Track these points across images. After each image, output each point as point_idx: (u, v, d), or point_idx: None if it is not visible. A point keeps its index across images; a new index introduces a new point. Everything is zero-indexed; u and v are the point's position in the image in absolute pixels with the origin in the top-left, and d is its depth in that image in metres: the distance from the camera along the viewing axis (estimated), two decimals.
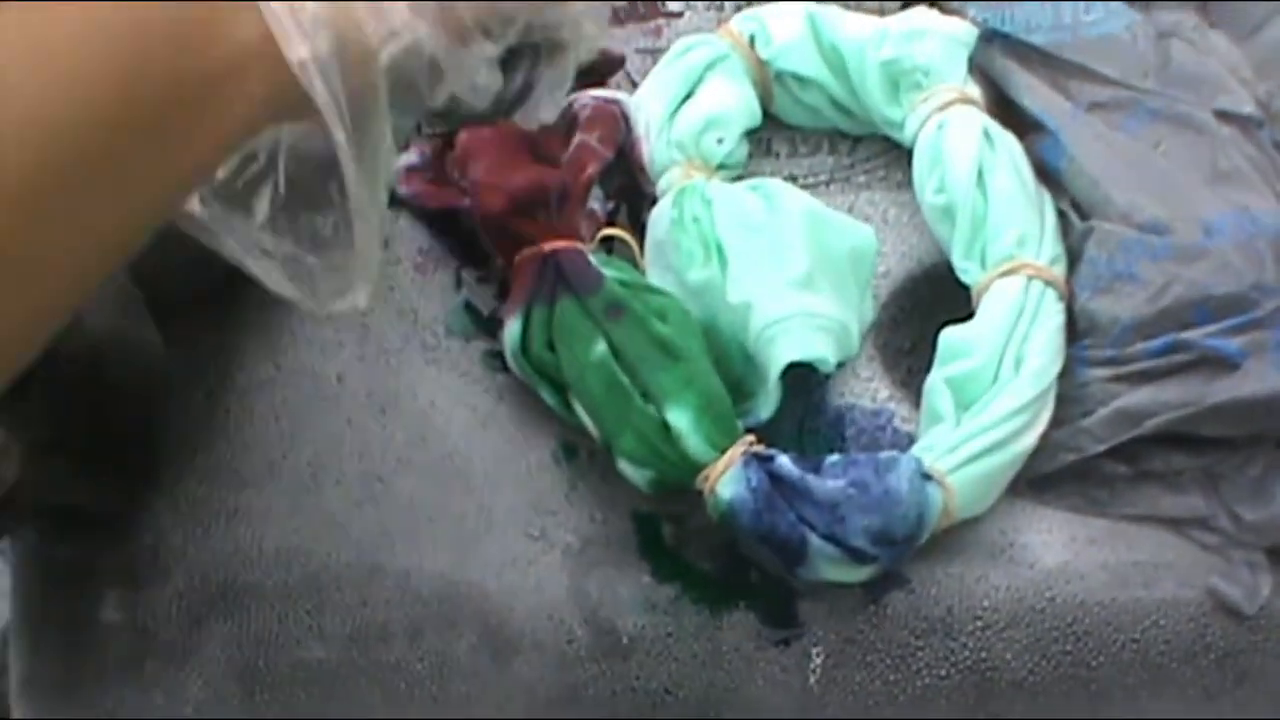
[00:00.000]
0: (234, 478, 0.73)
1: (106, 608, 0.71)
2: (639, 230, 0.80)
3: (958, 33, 0.83)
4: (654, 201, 0.80)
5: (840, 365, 0.75)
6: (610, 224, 0.80)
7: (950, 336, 0.75)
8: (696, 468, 0.70)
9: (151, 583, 0.71)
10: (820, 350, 0.72)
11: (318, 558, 0.72)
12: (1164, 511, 0.73)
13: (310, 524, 0.72)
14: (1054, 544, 0.73)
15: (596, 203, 0.80)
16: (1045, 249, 0.76)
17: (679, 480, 0.70)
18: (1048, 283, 0.75)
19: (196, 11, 0.43)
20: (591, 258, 0.74)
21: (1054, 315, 0.75)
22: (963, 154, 0.78)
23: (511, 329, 0.74)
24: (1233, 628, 0.72)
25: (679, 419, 0.70)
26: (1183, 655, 0.72)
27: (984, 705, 0.71)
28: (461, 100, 0.51)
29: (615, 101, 0.83)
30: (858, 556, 0.68)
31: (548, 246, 0.75)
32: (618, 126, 0.82)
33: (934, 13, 0.85)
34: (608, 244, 0.79)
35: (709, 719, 0.71)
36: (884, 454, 0.70)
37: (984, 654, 0.71)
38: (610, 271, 0.74)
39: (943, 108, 0.80)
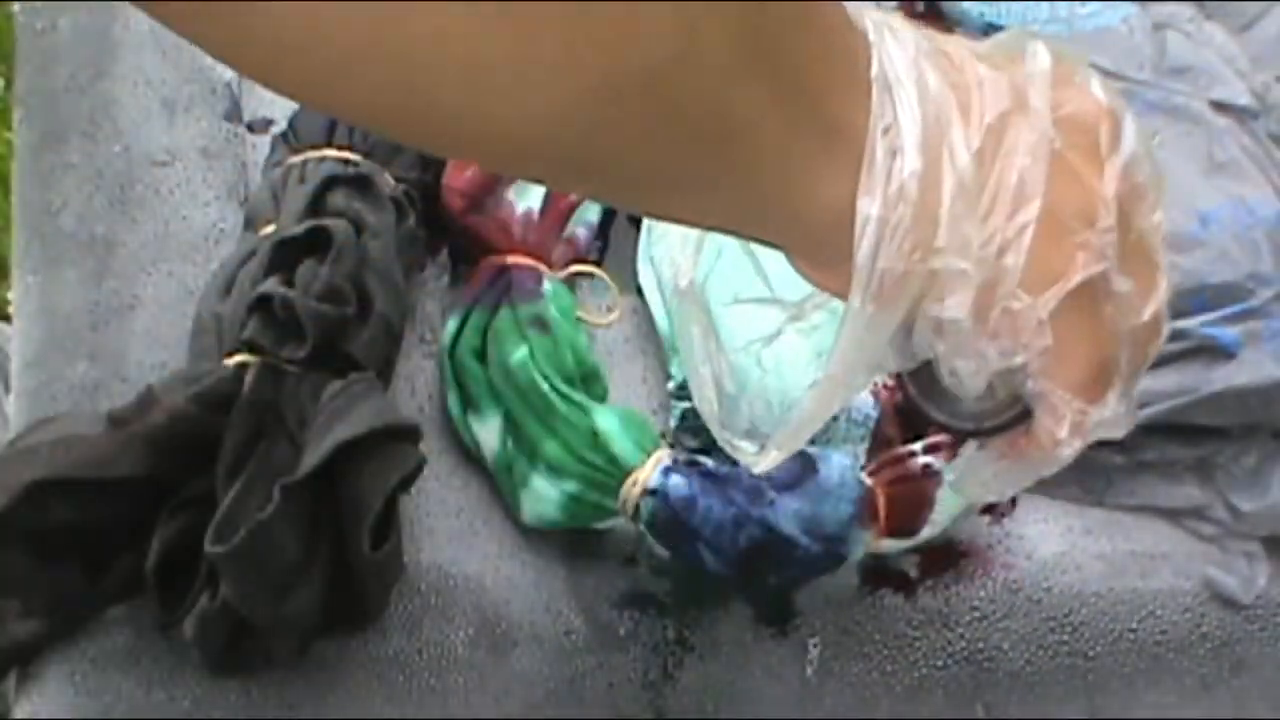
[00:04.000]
0: None
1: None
2: (635, 226, 0.81)
3: None
4: None
5: None
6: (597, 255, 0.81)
7: None
8: (623, 472, 0.69)
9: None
10: None
11: None
12: (1160, 501, 0.73)
13: None
14: (1050, 534, 0.73)
15: (583, 228, 0.80)
16: None
17: (597, 497, 0.70)
18: None
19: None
20: (546, 283, 0.75)
21: None
22: None
23: (449, 326, 0.75)
24: (1229, 617, 0.72)
25: (606, 423, 0.70)
26: (1179, 645, 0.72)
27: (981, 696, 0.71)
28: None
29: None
30: (790, 545, 0.68)
31: (510, 260, 0.75)
32: None
33: None
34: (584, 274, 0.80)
35: (706, 712, 0.71)
36: (814, 448, 0.70)
37: (980, 645, 0.71)
38: (554, 303, 0.74)
39: None
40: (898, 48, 0.38)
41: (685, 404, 0.75)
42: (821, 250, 0.40)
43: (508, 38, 0.30)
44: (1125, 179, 0.42)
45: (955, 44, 0.41)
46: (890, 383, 0.77)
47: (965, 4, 0.86)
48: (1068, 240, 0.41)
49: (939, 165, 0.38)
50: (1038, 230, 0.40)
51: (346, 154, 0.75)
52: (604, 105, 0.32)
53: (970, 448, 0.48)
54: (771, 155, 0.37)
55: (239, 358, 0.68)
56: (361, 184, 0.73)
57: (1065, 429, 0.44)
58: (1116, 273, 0.42)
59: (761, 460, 0.46)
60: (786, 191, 0.38)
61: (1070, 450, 0.45)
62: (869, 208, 0.37)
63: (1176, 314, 0.73)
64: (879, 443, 0.73)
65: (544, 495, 0.70)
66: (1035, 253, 0.40)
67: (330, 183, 0.72)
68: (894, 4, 0.90)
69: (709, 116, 0.34)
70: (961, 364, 0.42)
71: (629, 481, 0.69)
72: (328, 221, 0.70)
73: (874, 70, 0.37)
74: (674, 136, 0.34)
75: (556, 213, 0.78)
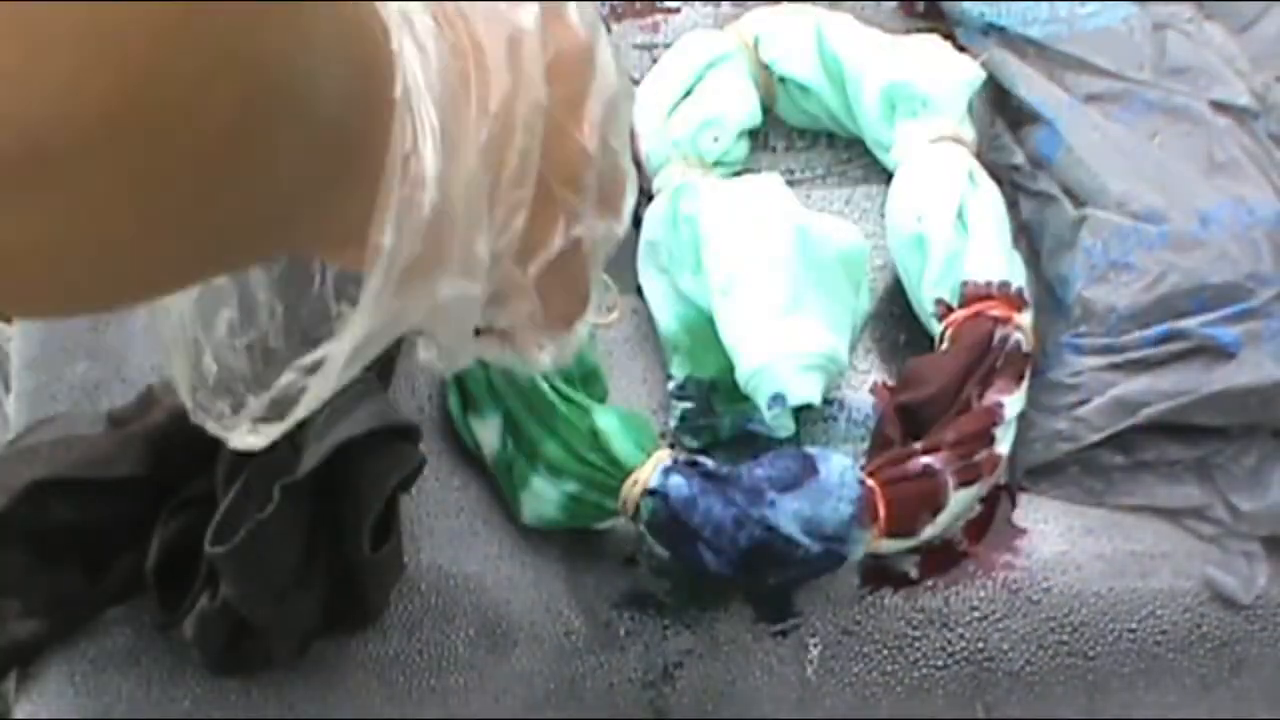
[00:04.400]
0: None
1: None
2: (634, 226, 0.81)
3: (966, 73, 0.81)
4: (650, 198, 0.80)
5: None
6: None
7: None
8: (623, 473, 0.69)
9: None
10: (807, 393, 0.71)
11: None
12: (1160, 501, 0.73)
13: None
14: (1050, 534, 0.73)
15: None
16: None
17: (597, 497, 0.70)
18: (1019, 330, 0.74)
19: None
20: None
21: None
22: (947, 189, 0.76)
23: None
24: (1229, 617, 0.72)
25: (607, 423, 0.70)
26: (1179, 645, 0.72)
27: (981, 696, 0.71)
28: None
29: None
30: (791, 545, 0.68)
31: None
32: None
33: (947, 46, 0.83)
34: None
35: (706, 712, 0.71)
36: (814, 448, 0.70)
37: (981, 645, 0.71)
38: None
39: (934, 141, 0.79)
40: (416, 55, 0.37)
41: (685, 404, 0.75)
42: (343, 257, 0.40)
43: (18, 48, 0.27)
44: (604, 117, 0.43)
45: None
46: (890, 383, 0.77)
47: (966, 4, 0.86)
48: (553, 207, 0.42)
49: (455, 185, 0.37)
50: (530, 205, 0.40)
51: None
52: (110, 130, 0.29)
53: None
54: (291, 186, 0.34)
55: None
56: None
57: (546, 356, 0.47)
58: (593, 222, 0.43)
59: (237, 427, 0.42)
60: (306, 217, 0.36)
61: (550, 360, 0.48)
62: (381, 237, 0.36)
63: (1176, 314, 0.74)
64: (879, 443, 0.73)
65: (544, 495, 0.70)
66: (525, 225, 0.41)
67: None
68: (894, 4, 0.90)
69: (218, 147, 0.31)
70: (450, 340, 0.43)
71: (629, 482, 0.69)
72: None
73: (397, 90, 0.36)
74: (181, 165, 0.31)
75: None
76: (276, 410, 0.41)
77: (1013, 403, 0.72)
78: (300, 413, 0.40)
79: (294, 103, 0.32)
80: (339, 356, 0.39)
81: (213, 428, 0.42)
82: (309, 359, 0.40)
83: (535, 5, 0.41)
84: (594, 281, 0.46)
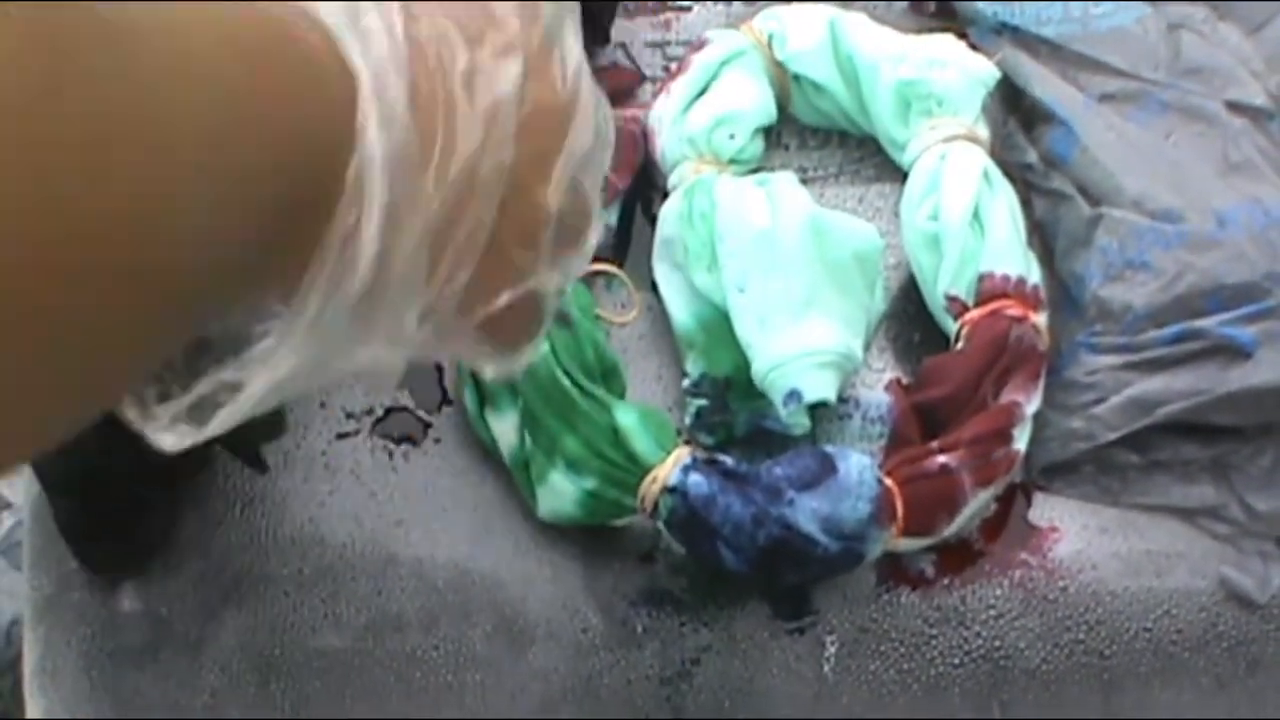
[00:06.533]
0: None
1: (122, 596, 0.71)
2: (650, 223, 0.81)
3: (980, 71, 0.81)
4: (666, 195, 0.81)
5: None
6: (612, 257, 0.81)
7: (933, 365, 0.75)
8: (642, 470, 0.69)
9: (167, 571, 0.72)
10: (822, 391, 0.72)
11: (333, 547, 0.72)
12: (1175, 501, 0.74)
13: (325, 513, 0.73)
14: (1066, 533, 0.73)
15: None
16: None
17: (616, 494, 0.70)
18: (1035, 328, 0.74)
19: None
20: None
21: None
22: (962, 187, 0.76)
23: None
24: (1244, 617, 0.72)
25: (626, 418, 0.70)
26: (1195, 644, 0.72)
27: (997, 694, 0.72)
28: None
29: (636, 119, 0.83)
30: (809, 543, 0.68)
31: None
32: (636, 149, 0.82)
33: (961, 45, 0.83)
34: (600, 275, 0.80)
35: (723, 709, 0.71)
36: (832, 447, 0.70)
37: (997, 643, 0.72)
38: (575, 300, 0.74)
39: (948, 140, 0.79)
40: (378, 130, 0.35)
41: (700, 401, 0.75)
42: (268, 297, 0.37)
43: None
44: (575, 169, 0.42)
45: (445, 35, 0.38)
46: (905, 381, 0.77)
47: (979, 3, 0.86)
48: (504, 267, 0.41)
49: (394, 262, 0.36)
50: (478, 266, 0.39)
51: None
52: None
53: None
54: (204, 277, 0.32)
55: None
56: None
57: (489, 371, 0.45)
58: (547, 274, 0.42)
59: (157, 419, 0.40)
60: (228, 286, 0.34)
61: (491, 375, 0.46)
62: (305, 307, 0.35)
63: (1193, 314, 0.74)
64: (896, 441, 0.73)
65: (562, 492, 0.70)
66: (471, 282, 0.39)
67: None
68: (905, 3, 0.90)
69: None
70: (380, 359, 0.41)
71: (649, 479, 0.69)
72: None
73: (350, 170, 0.35)
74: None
75: None
76: (195, 416, 0.41)
77: (1030, 402, 0.72)
78: (213, 429, 0.39)
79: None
80: (255, 391, 0.37)
81: (133, 417, 0.40)
82: (230, 375, 0.38)
83: (518, 65, 0.39)
84: (547, 312, 0.45)
